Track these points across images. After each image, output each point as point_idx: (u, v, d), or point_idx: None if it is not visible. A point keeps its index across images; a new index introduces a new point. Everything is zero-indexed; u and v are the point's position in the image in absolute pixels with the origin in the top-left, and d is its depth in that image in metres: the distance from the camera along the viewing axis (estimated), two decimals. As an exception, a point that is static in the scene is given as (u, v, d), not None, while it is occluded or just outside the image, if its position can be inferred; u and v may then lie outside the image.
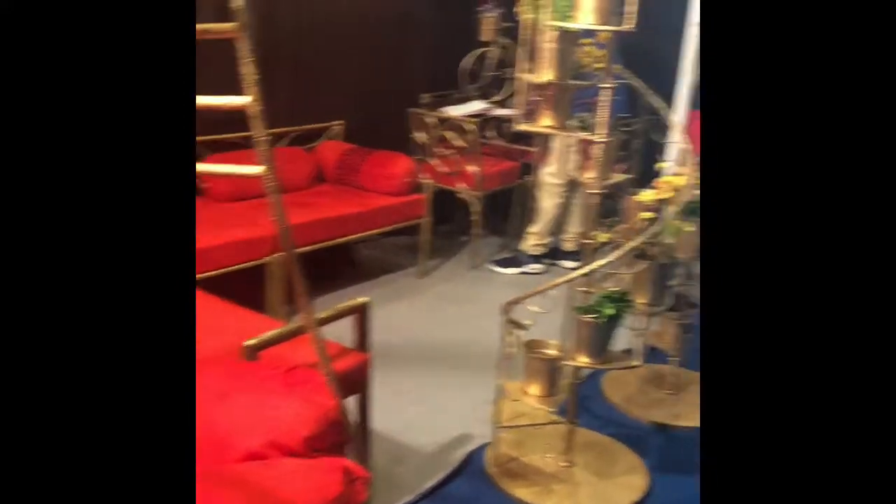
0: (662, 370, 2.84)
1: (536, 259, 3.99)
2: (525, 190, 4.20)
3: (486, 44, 4.26)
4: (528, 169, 4.17)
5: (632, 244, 1.93)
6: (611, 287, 2.13)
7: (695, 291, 2.71)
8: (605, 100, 2.00)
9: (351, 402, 2.06)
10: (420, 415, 2.62)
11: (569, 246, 4.09)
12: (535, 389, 2.15)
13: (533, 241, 3.96)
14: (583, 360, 2.05)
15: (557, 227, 4.00)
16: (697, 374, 2.92)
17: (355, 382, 2.05)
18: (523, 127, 2.16)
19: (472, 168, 3.87)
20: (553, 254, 4.08)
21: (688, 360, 2.87)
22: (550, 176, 3.84)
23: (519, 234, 4.21)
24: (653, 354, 2.84)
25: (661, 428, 2.61)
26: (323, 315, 1.89)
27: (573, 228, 4.05)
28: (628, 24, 1.83)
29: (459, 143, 3.89)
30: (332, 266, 3.75)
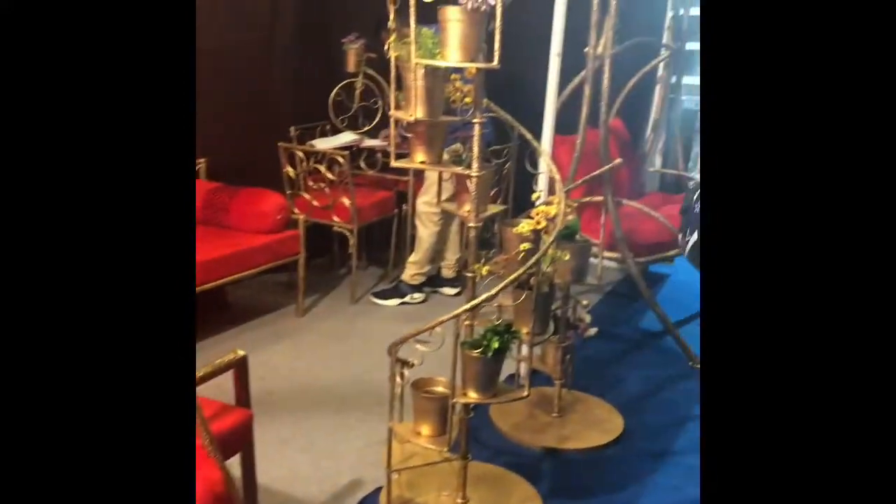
0: (548, 393, 2.87)
1: (417, 288, 3.97)
2: (402, 219, 4.19)
3: (351, 75, 4.23)
4: (404, 198, 4.15)
5: (514, 275, 1.93)
6: (495, 319, 2.13)
7: (572, 313, 2.76)
8: (476, 134, 2.00)
9: (234, 461, 1.95)
10: (308, 463, 2.52)
11: (448, 273, 4.09)
12: (426, 430, 2.11)
13: (413, 270, 3.94)
14: (472, 395, 2.04)
15: (436, 254, 4.00)
16: (582, 395, 2.98)
17: (238, 441, 1.94)
18: (399, 164, 2.13)
19: (345, 200, 3.81)
20: (433, 281, 4.07)
21: (571, 381, 2.92)
22: (426, 205, 3.84)
23: (398, 264, 4.19)
24: (537, 378, 2.87)
25: (551, 452, 2.63)
26: (198, 374, 1.77)
27: (452, 255, 4.06)
28: (493, 62, 1.84)
29: (331, 175, 3.83)
30: (204, 312, 3.57)
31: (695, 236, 1.76)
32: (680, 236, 1.87)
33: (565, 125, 3.26)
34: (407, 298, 3.95)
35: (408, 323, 3.69)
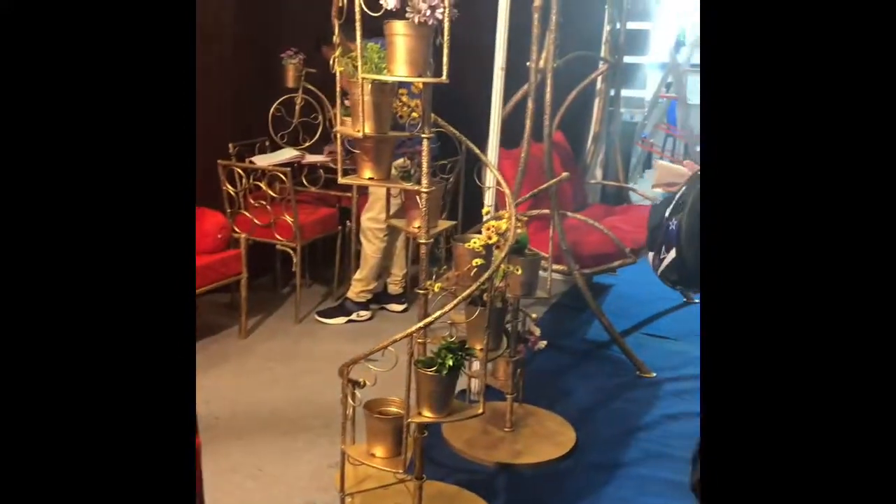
0: (499, 408, 2.86)
1: (363, 306, 3.91)
2: (346, 236, 4.13)
3: (291, 90, 4.16)
4: (348, 214, 4.10)
5: (468, 291, 1.91)
6: (447, 336, 2.11)
7: (522, 327, 2.76)
8: (425, 149, 1.98)
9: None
10: (258, 490, 2.44)
11: (394, 289, 4.05)
12: (380, 451, 2.06)
13: (358, 287, 3.89)
14: (428, 415, 2.00)
15: (382, 271, 3.95)
16: (533, 408, 2.97)
17: (185, 472, 1.86)
18: (346, 181, 2.09)
19: (288, 218, 3.74)
20: (379, 298, 4.02)
21: (522, 395, 2.91)
22: (371, 220, 3.80)
23: (343, 282, 4.13)
24: (488, 393, 2.85)
25: (505, 468, 2.61)
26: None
27: (398, 271, 4.02)
28: (442, 76, 1.83)
29: (273, 193, 3.75)
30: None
31: (672, 253, 1.74)
32: (651, 255, 1.85)
33: (507, 139, 3.27)
34: (353, 316, 3.89)
35: (354, 341, 3.63)
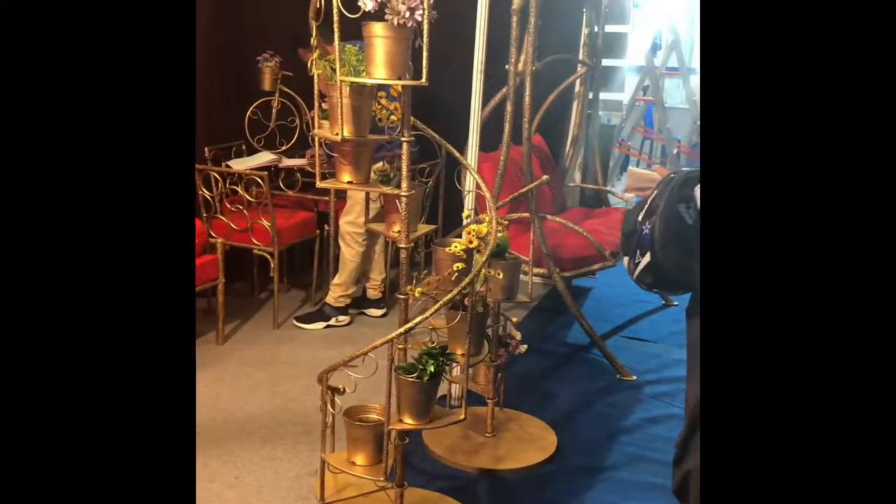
0: (480, 413, 2.83)
1: (342, 311, 3.88)
2: (324, 240, 4.09)
3: (267, 93, 4.12)
4: (326, 218, 4.06)
5: (449, 296, 1.89)
6: (428, 342, 2.08)
7: (503, 331, 2.74)
8: (405, 152, 1.96)
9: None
10: (236, 500, 2.40)
11: (373, 294, 4.02)
12: (360, 459, 2.04)
13: (337, 292, 3.85)
14: (409, 422, 1.97)
15: (361, 275, 3.92)
16: (515, 413, 2.95)
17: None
18: (325, 184, 2.06)
19: (265, 222, 3.69)
20: (358, 303, 3.99)
21: (503, 399, 2.89)
22: (350, 224, 3.76)
23: (321, 286, 4.09)
24: (469, 398, 2.83)
25: (487, 474, 2.59)
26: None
27: (377, 275, 3.99)
28: (422, 79, 1.80)
29: (249, 197, 3.71)
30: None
31: (646, 257, 1.75)
32: (626, 259, 1.85)
33: (488, 142, 3.26)
34: (332, 321, 3.85)
35: (334, 347, 3.59)
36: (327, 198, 3.95)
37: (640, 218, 1.80)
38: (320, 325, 3.84)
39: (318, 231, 4.08)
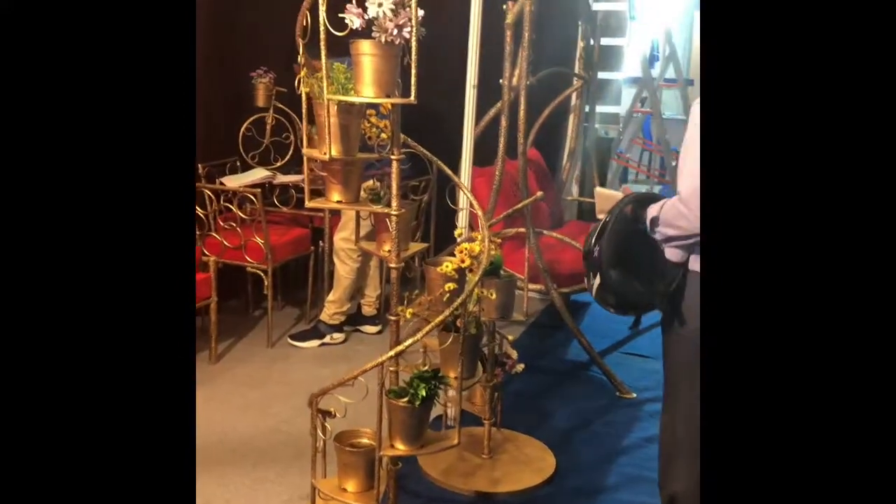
0: (477, 434, 2.78)
1: (337, 328, 3.83)
2: (319, 257, 4.05)
3: (261, 109, 4.09)
4: (320, 235, 4.02)
5: (440, 318, 1.84)
6: (420, 364, 2.04)
7: (499, 350, 2.69)
8: (395, 171, 1.92)
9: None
10: (226, 526, 2.34)
11: (368, 311, 3.97)
12: (351, 486, 1.98)
13: (332, 309, 3.80)
14: (400, 447, 1.92)
15: (356, 292, 3.87)
16: (512, 433, 2.90)
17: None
18: (314, 204, 2.02)
19: (258, 240, 3.65)
20: (353, 320, 3.94)
21: (500, 420, 2.84)
22: (344, 241, 3.72)
23: (316, 303, 4.04)
24: (465, 418, 2.78)
25: (484, 497, 2.54)
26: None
27: (372, 292, 3.94)
28: (410, 97, 1.77)
29: (243, 214, 3.67)
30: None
31: (597, 279, 1.81)
32: (586, 280, 1.90)
33: (482, 157, 3.22)
34: (327, 339, 3.80)
35: (329, 365, 3.54)
36: (322, 214, 3.91)
37: (593, 241, 1.84)
38: (315, 342, 3.79)
39: (312, 248, 4.04)
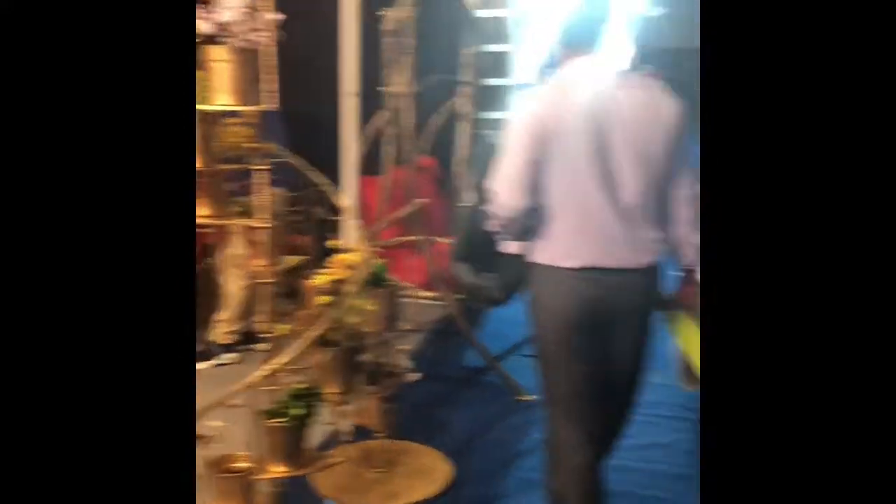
0: (370, 447, 2.72)
1: (229, 348, 3.69)
2: (207, 274, 3.89)
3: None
4: (209, 251, 3.87)
5: (312, 334, 1.78)
6: (297, 382, 1.96)
7: (390, 360, 2.64)
8: (260, 181, 1.85)
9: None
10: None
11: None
12: (229, 513, 1.89)
13: (223, 329, 3.66)
14: (278, 469, 1.85)
15: (248, 309, 3.74)
16: (408, 444, 2.85)
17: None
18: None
19: (141, 260, 3.48)
20: (247, 338, 3.80)
21: (395, 431, 2.79)
22: (232, 257, 3.59)
23: (206, 323, 3.88)
24: (359, 431, 2.71)
25: (378, 512, 2.48)
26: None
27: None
28: (271, 103, 1.70)
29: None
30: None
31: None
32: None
33: (372, 166, 3.18)
34: (219, 359, 3.66)
35: (224, 387, 3.40)
36: (207, 230, 3.77)
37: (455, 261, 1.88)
38: (206, 364, 3.63)
39: (199, 265, 3.88)
